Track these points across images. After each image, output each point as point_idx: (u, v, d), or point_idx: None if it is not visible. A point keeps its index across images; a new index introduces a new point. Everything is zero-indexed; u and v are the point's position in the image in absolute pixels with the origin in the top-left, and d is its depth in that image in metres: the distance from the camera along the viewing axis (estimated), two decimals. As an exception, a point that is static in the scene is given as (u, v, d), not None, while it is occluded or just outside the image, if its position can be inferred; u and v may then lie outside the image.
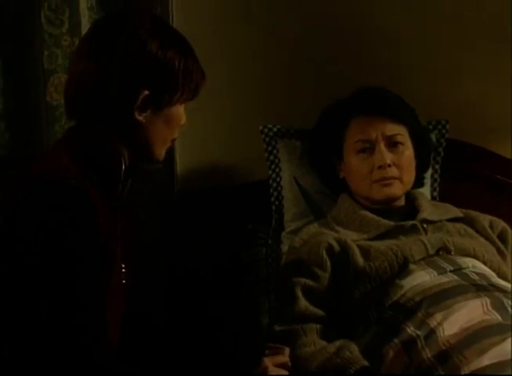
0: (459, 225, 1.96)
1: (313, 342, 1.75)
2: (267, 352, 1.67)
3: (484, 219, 2.01)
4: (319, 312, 1.81)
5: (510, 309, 1.62)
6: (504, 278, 1.86)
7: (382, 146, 1.94)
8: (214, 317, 2.02)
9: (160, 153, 1.62)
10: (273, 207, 2.12)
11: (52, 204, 1.41)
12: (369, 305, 1.79)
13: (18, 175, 1.54)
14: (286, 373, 1.63)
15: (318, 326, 1.79)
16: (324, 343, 1.75)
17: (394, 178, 1.94)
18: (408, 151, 1.98)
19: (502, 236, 1.99)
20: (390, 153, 1.95)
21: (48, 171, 1.46)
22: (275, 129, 2.13)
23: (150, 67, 1.52)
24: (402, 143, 1.97)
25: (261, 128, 2.14)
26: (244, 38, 2.27)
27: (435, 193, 2.18)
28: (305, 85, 2.28)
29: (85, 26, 2.04)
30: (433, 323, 1.62)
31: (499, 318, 1.60)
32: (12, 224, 1.41)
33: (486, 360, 1.49)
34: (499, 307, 1.63)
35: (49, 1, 2.03)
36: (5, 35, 2.04)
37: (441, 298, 1.68)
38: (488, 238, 1.96)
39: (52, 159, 1.51)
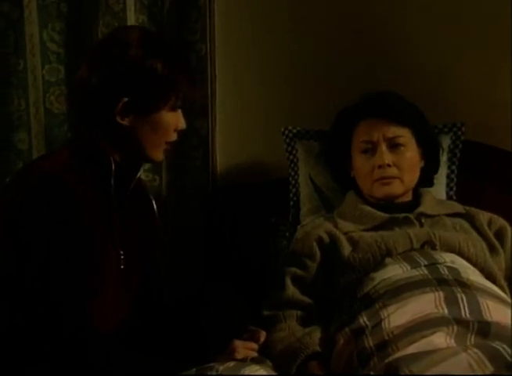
0: (456, 221, 2.00)
1: (288, 327, 1.86)
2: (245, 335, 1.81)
3: (484, 217, 2.03)
4: (306, 299, 1.92)
5: (461, 304, 1.64)
6: (489, 273, 1.88)
7: (383, 147, 2.02)
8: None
9: (156, 154, 1.71)
10: (291, 203, 2.27)
11: (40, 200, 1.57)
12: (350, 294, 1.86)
13: (23, 171, 1.77)
14: (255, 354, 1.76)
15: (298, 312, 1.90)
16: (298, 328, 1.86)
17: (394, 177, 2.02)
18: (410, 153, 2.04)
19: (499, 233, 2.01)
20: (390, 154, 2.02)
21: (44, 169, 1.62)
22: (294, 131, 2.27)
23: (130, 75, 1.62)
24: (403, 145, 2.03)
25: (282, 129, 2.28)
26: (279, 50, 2.42)
27: (451, 193, 2.22)
28: (334, 89, 2.39)
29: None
30: (384, 314, 1.67)
31: (446, 312, 1.61)
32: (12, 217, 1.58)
33: (410, 350, 1.52)
34: (451, 302, 1.65)
35: (103, 19, 2.33)
36: (69, 51, 2.36)
37: (400, 291, 1.73)
38: (483, 235, 1.98)
39: (53, 157, 1.70)
